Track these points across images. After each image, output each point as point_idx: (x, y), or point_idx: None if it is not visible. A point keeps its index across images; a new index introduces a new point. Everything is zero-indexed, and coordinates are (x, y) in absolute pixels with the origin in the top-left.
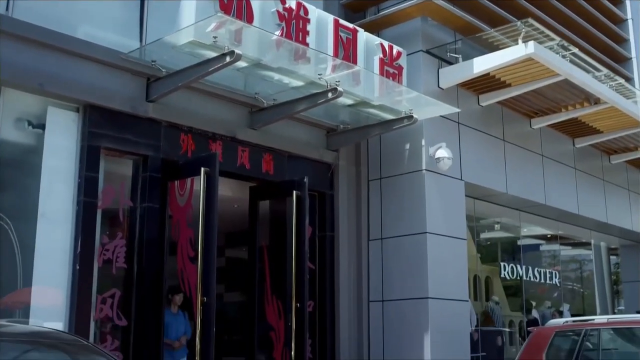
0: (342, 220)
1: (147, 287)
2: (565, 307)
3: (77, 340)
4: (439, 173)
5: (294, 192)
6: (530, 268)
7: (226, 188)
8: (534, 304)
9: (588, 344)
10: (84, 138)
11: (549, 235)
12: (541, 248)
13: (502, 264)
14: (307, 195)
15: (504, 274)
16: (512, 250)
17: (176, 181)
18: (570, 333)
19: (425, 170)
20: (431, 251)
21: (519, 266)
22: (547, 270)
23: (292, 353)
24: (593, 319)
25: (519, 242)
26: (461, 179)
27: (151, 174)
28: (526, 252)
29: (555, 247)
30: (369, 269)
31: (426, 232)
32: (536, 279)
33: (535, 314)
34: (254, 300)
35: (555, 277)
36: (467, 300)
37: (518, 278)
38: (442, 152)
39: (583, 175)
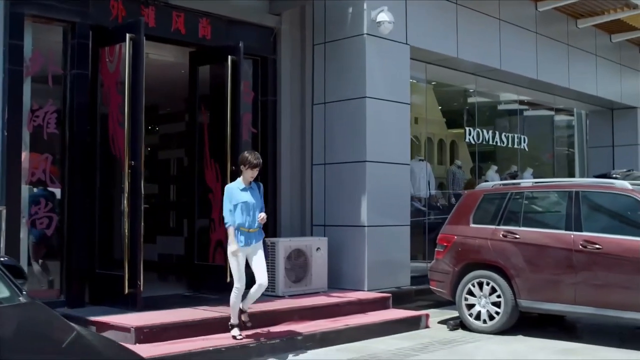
0: (285, 85)
1: (79, 152)
2: (528, 172)
3: None
4: (381, 37)
5: (229, 57)
6: (497, 133)
7: (169, 54)
8: (495, 167)
9: (512, 206)
10: (6, 5)
11: (517, 101)
12: (509, 113)
13: (467, 128)
14: (242, 60)
15: (469, 139)
16: (479, 115)
17: (106, 48)
18: (497, 196)
19: (367, 34)
20: (370, 115)
21: (484, 131)
22: (515, 135)
23: None
24: (519, 183)
25: (486, 107)
26: (406, 43)
27: (80, 40)
28: (493, 117)
29: (523, 112)
30: (312, 133)
31: (365, 97)
32: (503, 143)
33: (491, 177)
34: (194, 164)
35: (524, 142)
36: (408, 164)
37: (484, 143)
38: (383, 16)
39: (545, 40)
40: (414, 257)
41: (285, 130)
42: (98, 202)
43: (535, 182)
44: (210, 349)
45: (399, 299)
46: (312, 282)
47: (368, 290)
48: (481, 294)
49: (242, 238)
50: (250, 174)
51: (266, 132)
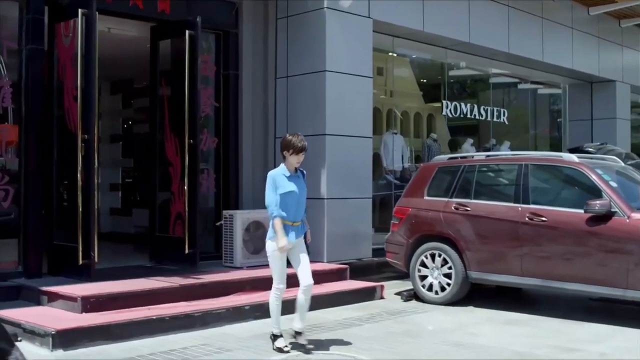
0: (248, 59)
1: (35, 125)
2: (505, 145)
3: None
4: (342, 11)
5: (187, 31)
6: (475, 106)
7: (132, 29)
8: (470, 140)
9: (465, 179)
10: None
11: (497, 74)
12: (490, 87)
13: (444, 102)
14: (200, 34)
15: (446, 112)
16: (458, 89)
17: (61, 23)
18: (451, 169)
19: (327, 8)
20: (330, 89)
21: (462, 104)
22: (495, 109)
23: (186, 187)
24: (472, 156)
25: (465, 81)
26: (369, 17)
27: (35, 16)
28: (474, 90)
29: (501, 85)
30: (275, 107)
31: (325, 71)
32: (482, 116)
33: (466, 150)
34: (155, 138)
35: (503, 115)
36: (370, 137)
37: (462, 116)
38: None
39: (518, 13)
40: (385, 230)
41: (247, 103)
42: (55, 175)
43: (488, 156)
44: (154, 317)
45: (361, 270)
46: None
47: (327, 262)
48: (433, 265)
49: (288, 232)
50: (295, 159)
51: (228, 106)
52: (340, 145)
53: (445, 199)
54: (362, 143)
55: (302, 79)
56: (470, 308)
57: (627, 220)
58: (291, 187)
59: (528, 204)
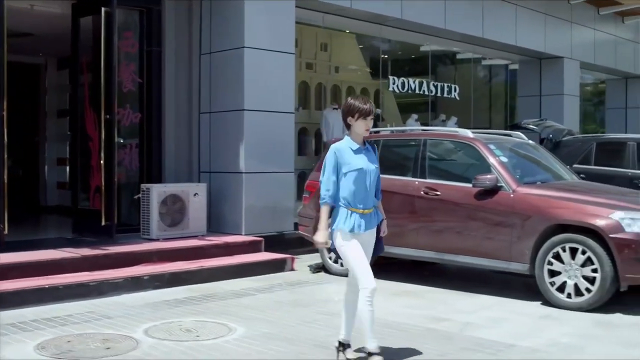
0: (170, 36)
1: None
2: (452, 120)
3: None
4: None
5: (103, 8)
6: (424, 82)
7: (57, 6)
8: (415, 116)
9: None
10: None
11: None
12: (438, 63)
13: (391, 77)
14: (116, 11)
15: (393, 88)
16: (405, 64)
17: None
18: None
19: None
20: (250, 65)
21: (410, 80)
22: (445, 84)
23: (102, 162)
24: (379, 131)
25: (410, 56)
26: None
27: None
28: (422, 66)
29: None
30: (200, 82)
31: (244, 47)
32: (432, 92)
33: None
34: (76, 113)
35: (454, 91)
36: (292, 112)
37: (409, 92)
38: None
39: None
40: None
41: (170, 79)
42: None
43: (393, 131)
44: (47, 286)
45: (282, 243)
46: (189, 226)
47: (246, 234)
48: None
49: (356, 222)
50: (363, 125)
51: (151, 82)
52: (261, 120)
53: None
54: (283, 118)
55: (223, 55)
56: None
57: (512, 195)
58: (359, 163)
59: (425, 178)
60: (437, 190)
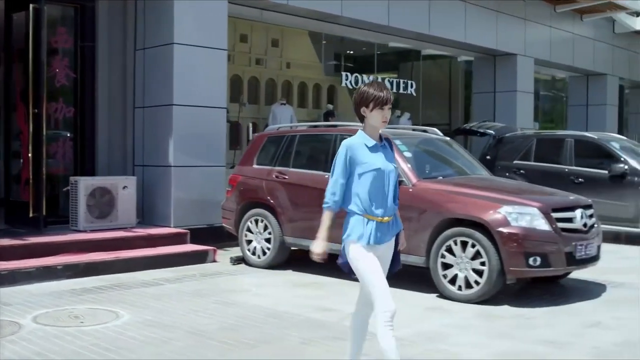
0: (104, 32)
1: None
2: (405, 116)
3: None
4: None
5: (31, 5)
6: (379, 78)
7: None
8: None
9: (287, 148)
10: None
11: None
12: (395, 59)
13: (344, 73)
14: (44, 8)
15: (346, 83)
16: (359, 61)
17: None
18: (278, 139)
19: None
20: (179, 61)
21: (364, 76)
22: (402, 80)
23: (30, 154)
24: (297, 126)
25: (366, 53)
26: None
27: None
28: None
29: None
30: (134, 77)
31: (173, 43)
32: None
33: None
34: (8, 107)
35: (411, 87)
36: (224, 108)
37: None
38: None
39: None
40: None
41: (103, 74)
42: None
43: (310, 126)
44: None
45: (213, 235)
46: (118, 218)
47: (175, 227)
48: (257, 230)
49: (373, 232)
50: (379, 116)
51: (85, 76)
52: (190, 115)
53: (269, 167)
54: (215, 113)
55: (154, 51)
56: (289, 272)
57: (410, 190)
58: (376, 162)
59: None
60: None
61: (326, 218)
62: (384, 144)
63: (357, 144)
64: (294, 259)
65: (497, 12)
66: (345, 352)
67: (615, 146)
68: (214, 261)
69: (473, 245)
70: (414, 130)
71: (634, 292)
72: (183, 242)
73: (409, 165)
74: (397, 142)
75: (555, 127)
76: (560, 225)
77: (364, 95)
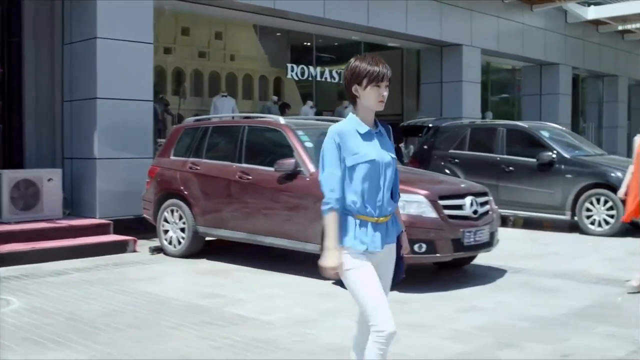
0: (30, 26)
1: None
2: (351, 107)
3: None
4: None
5: None
6: (326, 69)
7: None
8: (310, 103)
9: (201, 140)
10: None
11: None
12: (338, 51)
13: (289, 65)
14: None
15: (292, 75)
16: (302, 52)
17: None
18: (193, 130)
19: None
20: (103, 55)
21: (310, 67)
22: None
23: None
24: (210, 118)
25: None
26: None
27: None
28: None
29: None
30: (63, 71)
31: (96, 37)
32: (334, 79)
33: (305, 112)
34: None
35: None
36: (150, 100)
37: (310, 79)
38: None
39: None
40: None
41: (31, 68)
42: None
43: (222, 117)
44: None
45: (140, 226)
46: (44, 209)
47: (100, 218)
48: (173, 220)
49: (365, 235)
50: (376, 95)
51: (12, 71)
52: (115, 108)
53: (184, 159)
54: (140, 106)
55: (80, 45)
56: (203, 260)
57: (307, 179)
58: (370, 152)
59: (241, 163)
60: (249, 175)
61: (332, 221)
62: (380, 130)
63: (347, 131)
64: (215, 248)
65: (440, 3)
66: None
67: (544, 135)
68: (135, 251)
69: None
70: (319, 120)
71: (529, 278)
72: (106, 232)
73: (308, 155)
74: (300, 132)
75: (509, 117)
76: (449, 212)
77: (356, 70)
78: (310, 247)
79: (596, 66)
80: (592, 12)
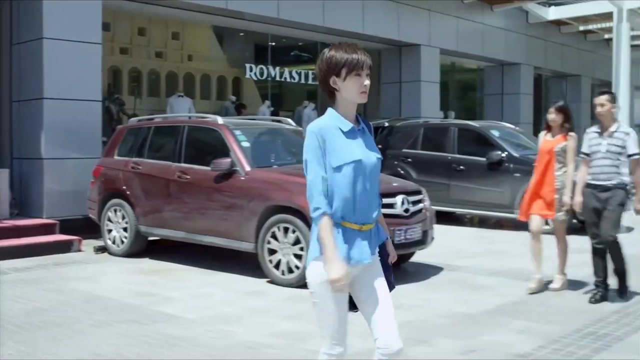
0: None
1: None
2: (310, 107)
3: None
4: None
5: None
6: (286, 70)
7: None
8: (268, 103)
9: (143, 140)
10: None
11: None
12: (297, 51)
13: (247, 65)
14: None
15: (250, 75)
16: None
17: None
18: (136, 130)
19: None
20: (50, 55)
21: (270, 67)
22: (310, 72)
23: None
24: (153, 118)
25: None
26: None
27: None
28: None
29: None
30: (11, 72)
31: (43, 38)
32: (294, 79)
33: (262, 112)
34: None
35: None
36: (99, 100)
37: (269, 79)
38: None
39: None
40: None
41: None
42: None
43: (164, 118)
44: None
45: (88, 226)
46: None
47: (47, 218)
48: (116, 220)
49: (354, 246)
50: (357, 86)
51: None
52: (63, 108)
53: (127, 159)
54: (89, 106)
55: (27, 45)
56: (145, 260)
57: (242, 178)
58: (354, 152)
59: (180, 162)
60: (187, 174)
61: (327, 229)
62: (362, 127)
63: (328, 128)
64: (161, 248)
65: (397, 3)
66: None
67: (494, 134)
68: (79, 251)
69: (294, 231)
70: (266, 120)
71: (464, 275)
72: (52, 232)
73: (244, 155)
74: (237, 132)
75: (472, 116)
76: None
77: (332, 60)
78: (245, 246)
79: (559, 66)
80: (553, 13)
